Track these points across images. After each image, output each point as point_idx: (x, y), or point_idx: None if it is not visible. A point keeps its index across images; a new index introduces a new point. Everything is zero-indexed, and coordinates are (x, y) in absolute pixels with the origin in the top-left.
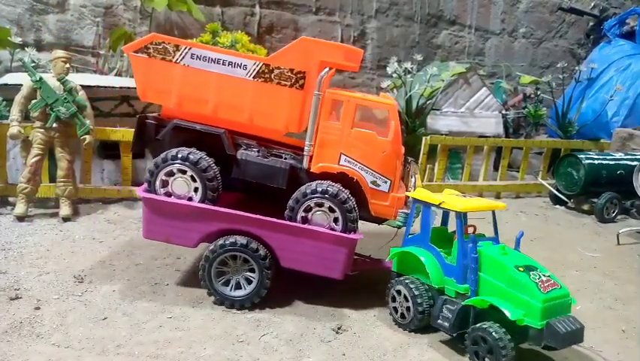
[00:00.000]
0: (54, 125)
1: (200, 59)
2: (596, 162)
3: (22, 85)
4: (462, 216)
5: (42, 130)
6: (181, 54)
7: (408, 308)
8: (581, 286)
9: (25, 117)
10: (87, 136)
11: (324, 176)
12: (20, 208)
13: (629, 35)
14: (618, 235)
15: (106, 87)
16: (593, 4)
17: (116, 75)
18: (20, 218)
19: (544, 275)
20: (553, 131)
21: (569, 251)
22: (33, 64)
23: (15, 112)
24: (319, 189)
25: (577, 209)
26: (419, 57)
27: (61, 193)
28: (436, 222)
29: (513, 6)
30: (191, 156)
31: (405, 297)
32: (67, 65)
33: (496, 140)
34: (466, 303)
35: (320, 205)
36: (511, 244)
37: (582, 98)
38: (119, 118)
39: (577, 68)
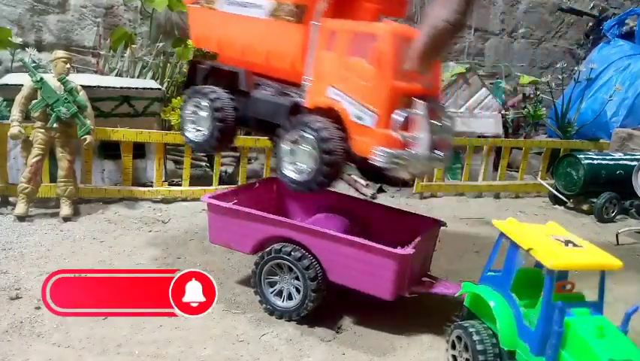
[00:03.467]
0: (55, 125)
1: (232, 5)
2: (595, 162)
3: (22, 85)
4: (554, 275)
5: (43, 130)
6: (220, 0)
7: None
8: None
9: (26, 117)
10: (88, 136)
11: (319, 112)
12: (21, 208)
13: (629, 36)
14: (617, 235)
15: (106, 87)
16: (592, 5)
17: (116, 75)
18: (21, 218)
19: None
20: (553, 132)
21: None
22: (34, 64)
23: (15, 112)
24: (301, 123)
25: (576, 209)
26: None
27: (62, 193)
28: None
29: (513, 6)
30: (200, 87)
31: (465, 346)
32: (68, 66)
33: (495, 140)
34: None
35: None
36: None
37: (581, 99)
38: (120, 118)
39: (576, 68)
